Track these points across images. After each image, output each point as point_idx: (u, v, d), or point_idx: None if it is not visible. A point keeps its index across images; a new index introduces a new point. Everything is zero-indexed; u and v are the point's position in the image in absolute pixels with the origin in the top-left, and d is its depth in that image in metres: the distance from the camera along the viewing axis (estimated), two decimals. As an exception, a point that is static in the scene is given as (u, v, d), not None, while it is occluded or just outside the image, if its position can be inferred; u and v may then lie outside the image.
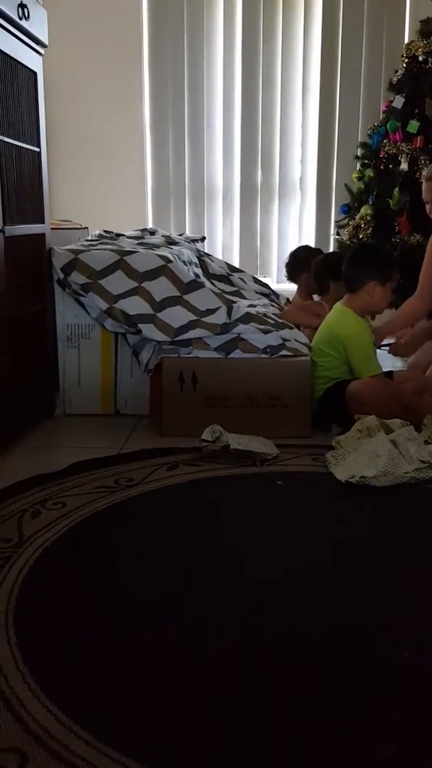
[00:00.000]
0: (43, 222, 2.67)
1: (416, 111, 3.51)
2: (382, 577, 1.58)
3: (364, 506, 1.96)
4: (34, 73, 2.55)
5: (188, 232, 4.45)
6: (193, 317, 2.63)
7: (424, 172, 2.93)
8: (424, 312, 2.91)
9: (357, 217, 3.61)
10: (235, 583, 1.55)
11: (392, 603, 1.48)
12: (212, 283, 3.21)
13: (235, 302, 2.77)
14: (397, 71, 3.61)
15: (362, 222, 3.54)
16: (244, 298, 3.22)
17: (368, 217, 3.53)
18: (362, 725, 1.11)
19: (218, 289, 3.10)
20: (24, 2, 2.33)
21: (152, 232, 3.64)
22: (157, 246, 3.07)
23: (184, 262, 2.98)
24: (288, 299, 3.65)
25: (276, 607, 1.46)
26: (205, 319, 2.63)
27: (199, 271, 3.23)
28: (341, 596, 1.50)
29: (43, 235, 2.68)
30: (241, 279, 3.45)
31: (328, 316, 2.75)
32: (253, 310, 2.77)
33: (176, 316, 2.63)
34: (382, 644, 1.33)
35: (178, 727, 1.11)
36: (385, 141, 3.58)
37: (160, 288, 2.68)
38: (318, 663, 1.27)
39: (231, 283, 3.37)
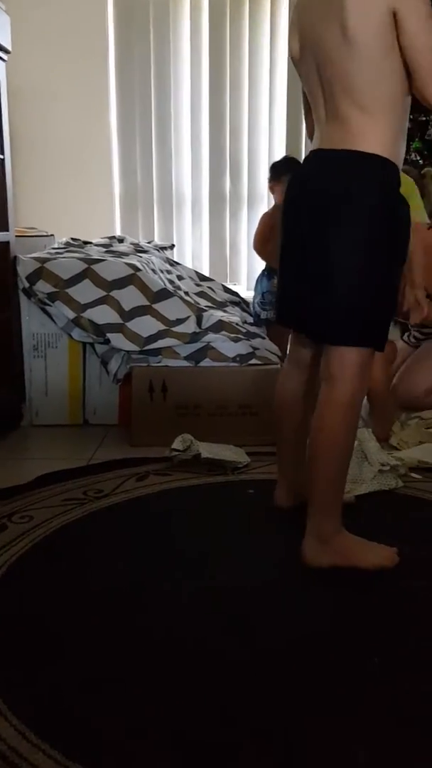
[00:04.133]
0: (7, 230, 2.63)
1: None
2: (349, 583, 1.58)
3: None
4: (-2, 79, 2.51)
5: (157, 240, 4.43)
6: (163, 327, 2.61)
7: None
8: None
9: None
10: (208, 592, 1.52)
11: (356, 608, 1.47)
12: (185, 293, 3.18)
13: (205, 310, 2.76)
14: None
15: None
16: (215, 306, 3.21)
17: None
18: (335, 728, 1.10)
19: (191, 297, 3.07)
20: (-13, 7, 2.29)
21: (120, 240, 3.61)
22: (126, 254, 3.05)
23: (153, 270, 2.95)
24: None
25: (253, 613, 1.44)
26: (174, 329, 2.60)
27: (172, 276, 3.21)
28: (310, 603, 1.49)
29: (7, 243, 2.63)
30: (210, 288, 3.43)
31: None
32: (225, 318, 2.76)
33: (145, 326, 2.60)
34: (354, 650, 1.32)
35: (165, 744, 1.08)
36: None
37: (129, 297, 2.65)
38: (297, 666, 1.26)
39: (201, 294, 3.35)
